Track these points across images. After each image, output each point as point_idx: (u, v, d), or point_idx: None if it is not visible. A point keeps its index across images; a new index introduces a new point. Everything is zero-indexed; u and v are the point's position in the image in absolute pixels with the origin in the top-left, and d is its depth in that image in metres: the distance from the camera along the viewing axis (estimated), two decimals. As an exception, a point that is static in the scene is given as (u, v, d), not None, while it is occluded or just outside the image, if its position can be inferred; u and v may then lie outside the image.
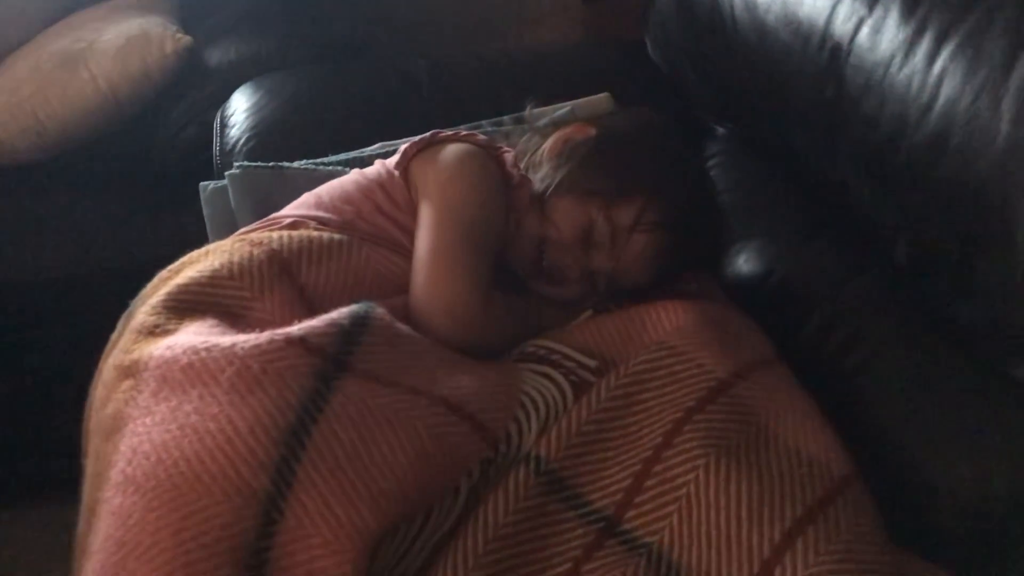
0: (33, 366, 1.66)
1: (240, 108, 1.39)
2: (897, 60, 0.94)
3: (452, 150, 1.01)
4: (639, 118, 1.13)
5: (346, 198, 1.01)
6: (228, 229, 1.19)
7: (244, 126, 1.34)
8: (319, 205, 1.01)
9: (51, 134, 1.60)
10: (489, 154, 1.03)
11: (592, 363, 0.91)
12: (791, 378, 0.93)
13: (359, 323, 0.81)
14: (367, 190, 1.02)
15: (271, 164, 1.20)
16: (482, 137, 1.06)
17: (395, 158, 1.03)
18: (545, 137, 1.09)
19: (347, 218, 0.99)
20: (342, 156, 1.24)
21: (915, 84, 0.92)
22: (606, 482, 0.83)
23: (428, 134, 1.03)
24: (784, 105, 1.14)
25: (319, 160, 1.23)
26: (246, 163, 1.20)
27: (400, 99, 1.37)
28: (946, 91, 0.89)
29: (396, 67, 1.43)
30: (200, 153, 1.49)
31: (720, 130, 1.38)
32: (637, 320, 0.94)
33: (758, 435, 0.84)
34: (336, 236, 0.95)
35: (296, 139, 1.32)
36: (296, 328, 0.79)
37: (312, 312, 0.88)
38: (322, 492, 0.71)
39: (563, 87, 1.35)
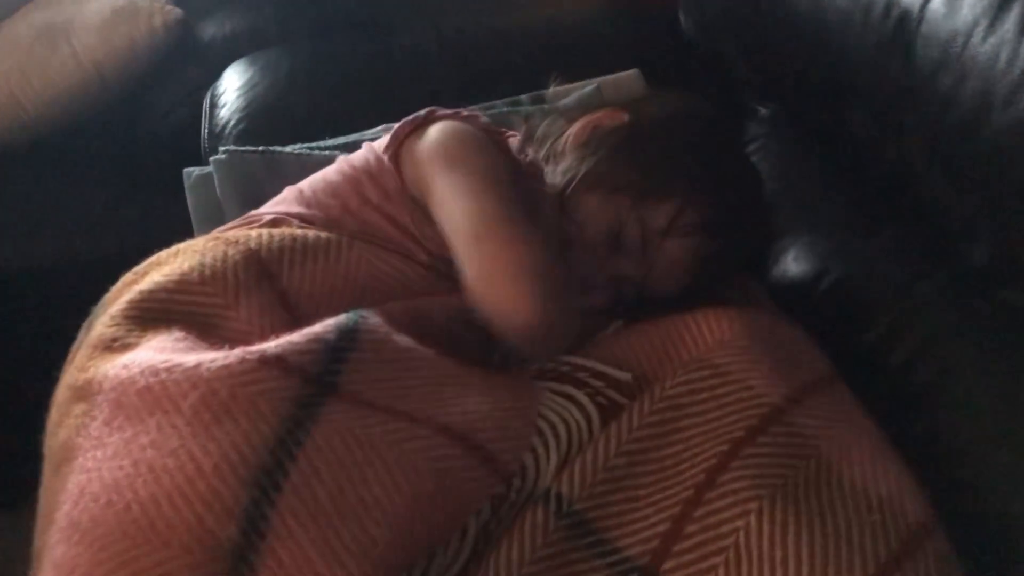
0: (14, 357, 1.55)
1: (232, 87, 1.27)
2: (980, 29, 0.81)
3: (445, 126, 0.88)
4: (679, 103, 0.98)
5: (331, 191, 0.89)
6: (214, 220, 1.08)
7: (235, 106, 1.22)
8: (301, 200, 0.89)
9: (31, 115, 1.52)
10: (491, 138, 0.90)
11: (627, 376, 0.78)
12: (852, 400, 0.80)
13: (347, 336, 0.69)
14: (354, 181, 0.89)
15: (260, 148, 1.08)
16: (484, 119, 0.93)
17: (384, 141, 0.91)
18: (570, 122, 0.96)
19: (333, 214, 0.87)
20: (340, 140, 1.12)
21: (1003, 57, 0.79)
22: (639, 526, 0.70)
23: (422, 112, 0.90)
24: (841, 82, 1.01)
25: (314, 144, 1.11)
26: (233, 147, 1.08)
27: (407, 76, 1.25)
28: (1042, 64, 0.75)
29: (403, 42, 1.31)
30: (192, 135, 1.36)
31: (763, 111, 1.24)
32: (675, 332, 0.81)
33: (819, 473, 0.71)
34: (322, 234, 0.83)
35: (291, 121, 1.21)
36: (272, 344, 0.67)
37: (295, 321, 0.77)
38: (301, 543, 0.60)
39: (586, 63, 1.24)
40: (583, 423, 0.75)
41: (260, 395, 0.63)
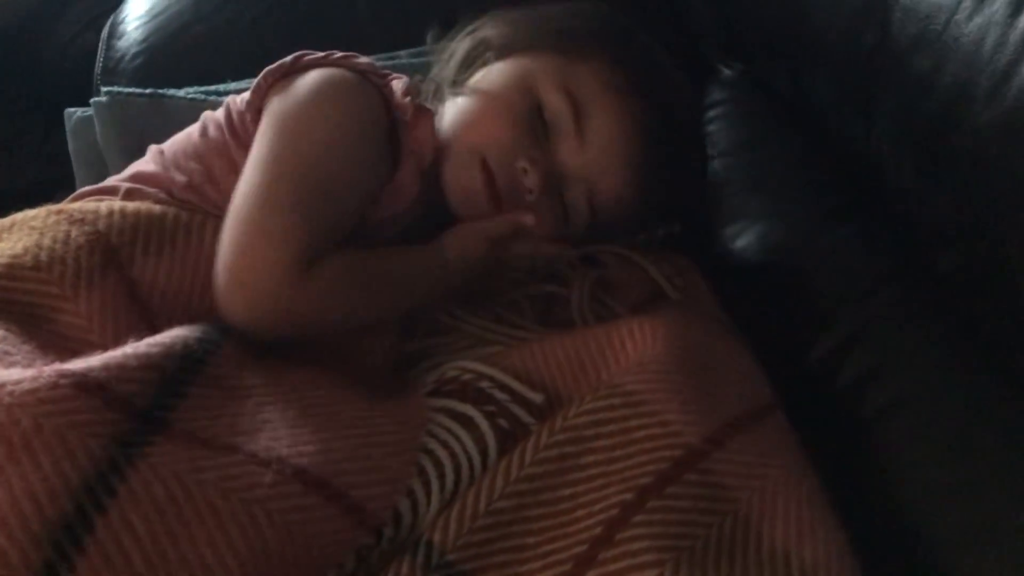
0: None
1: (134, 14, 1.13)
2: (967, 5, 0.70)
3: (315, 75, 0.75)
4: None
5: (193, 154, 0.77)
6: (97, 170, 0.96)
7: (133, 38, 1.09)
8: (161, 162, 0.77)
9: (-83, 38, 1.36)
10: (368, 81, 0.77)
11: (538, 398, 0.68)
12: (787, 437, 0.69)
13: (189, 367, 0.58)
14: (219, 143, 0.77)
15: (148, 91, 0.95)
16: (364, 60, 0.79)
17: (247, 93, 0.78)
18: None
19: (195, 180, 0.75)
20: (243, 83, 0.98)
21: (989, 42, 0.67)
22: (523, 585, 0.61)
23: (289, 58, 0.77)
24: (809, 49, 0.89)
25: (212, 88, 0.98)
26: (116, 88, 0.94)
27: (330, 12, 1.11)
28: (1035, 55, 0.63)
29: (329, -31, 1.15)
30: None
31: (726, 72, 1.11)
32: (594, 344, 0.71)
33: (735, 532, 0.61)
34: (184, 214, 0.71)
35: (194, 58, 1.07)
36: (100, 364, 0.56)
37: (145, 318, 0.67)
38: None
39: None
40: (476, 456, 0.65)
41: (71, 428, 0.53)
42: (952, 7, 0.70)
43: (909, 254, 0.82)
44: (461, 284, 0.77)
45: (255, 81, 0.77)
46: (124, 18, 1.13)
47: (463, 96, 0.79)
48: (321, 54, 0.78)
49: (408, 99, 0.77)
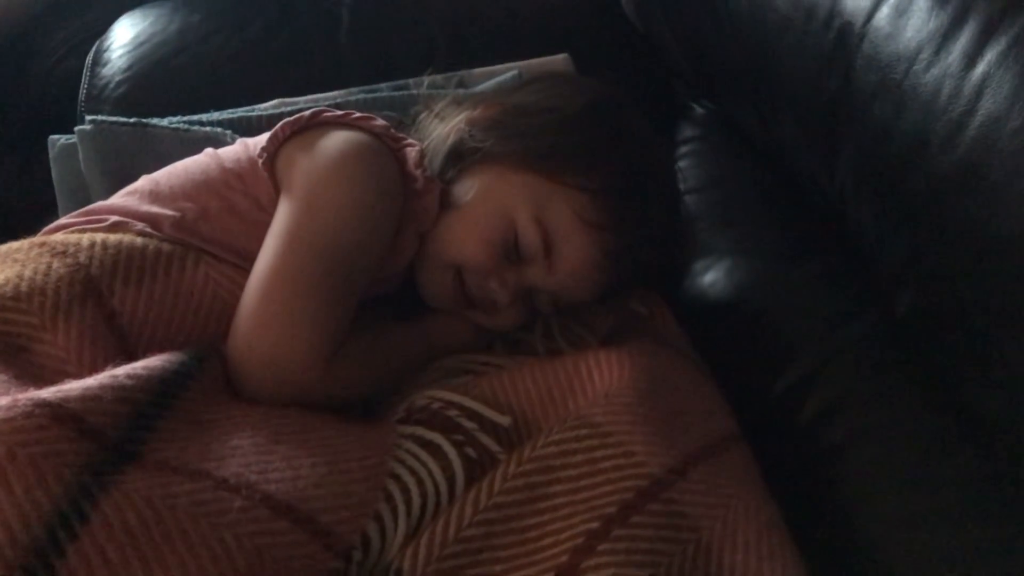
0: None
1: (119, 41, 1.14)
2: (924, 56, 0.72)
3: (338, 139, 0.77)
4: (583, 90, 0.86)
5: (190, 190, 0.78)
6: (80, 198, 0.97)
7: (117, 66, 1.10)
8: (154, 196, 0.78)
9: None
10: (387, 148, 0.79)
11: (506, 421, 0.70)
12: (748, 468, 0.71)
13: (166, 396, 0.60)
14: (220, 182, 0.78)
15: (132, 120, 0.96)
16: (380, 122, 0.81)
17: (262, 141, 0.79)
18: (460, 108, 0.86)
19: (188, 217, 0.76)
20: (226, 114, 1.00)
21: (946, 91, 0.69)
22: (488, 613, 0.62)
23: (307, 113, 0.79)
24: (776, 91, 0.92)
25: (195, 118, 0.99)
26: (100, 117, 0.96)
27: (312, 44, 1.12)
28: (988, 105, 0.66)
29: (312, 2, 1.17)
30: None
31: (698, 110, 1.14)
32: (563, 374, 0.73)
33: (696, 559, 0.63)
34: (166, 247, 0.73)
35: (179, 87, 1.08)
36: (76, 394, 0.57)
37: (123, 348, 0.68)
38: None
39: (512, 42, 1.11)
40: (443, 484, 0.66)
41: (44, 457, 0.54)
42: (911, 57, 0.72)
43: (870, 292, 0.85)
44: None
45: (273, 130, 0.78)
46: (109, 45, 1.14)
47: (448, 208, 0.80)
48: (339, 112, 0.80)
49: (420, 171, 0.79)
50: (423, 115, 0.89)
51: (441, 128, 0.84)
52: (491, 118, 0.82)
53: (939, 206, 0.70)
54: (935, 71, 0.70)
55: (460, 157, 0.81)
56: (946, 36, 0.70)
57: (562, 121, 0.80)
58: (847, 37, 0.79)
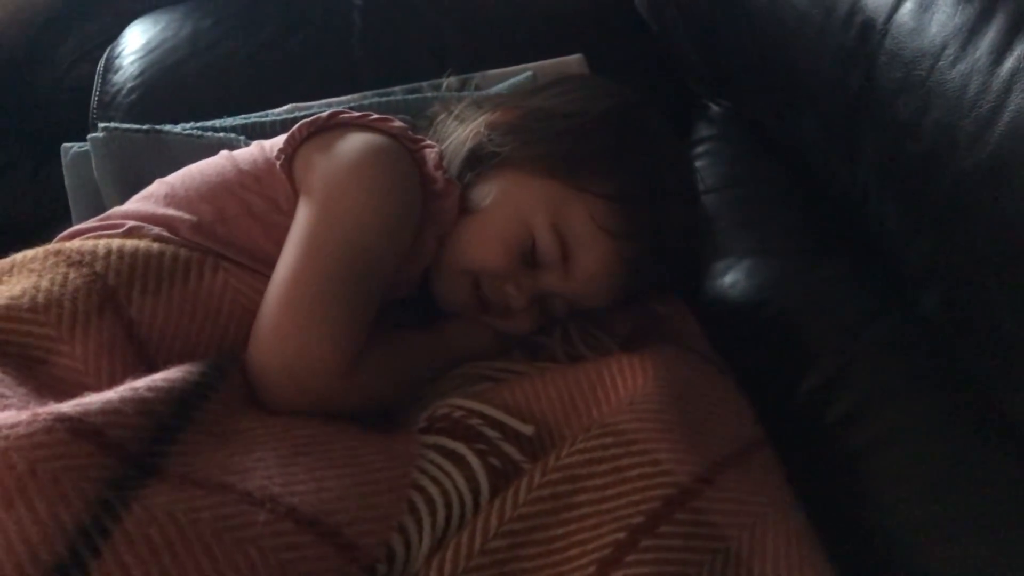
0: None
1: (130, 48, 1.13)
2: (950, 52, 0.70)
3: (356, 141, 0.76)
4: (603, 94, 0.85)
5: (206, 192, 0.77)
6: (94, 205, 0.96)
7: (129, 72, 1.09)
8: (170, 199, 0.77)
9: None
10: (405, 149, 0.78)
11: (529, 429, 0.69)
12: (775, 474, 0.70)
13: (188, 408, 0.59)
14: (237, 184, 0.77)
15: (145, 127, 0.95)
16: (398, 124, 0.80)
17: (278, 143, 0.79)
18: (479, 110, 0.85)
19: (205, 220, 0.75)
20: (239, 120, 1.00)
21: (973, 87, 0.68)
22: (516, 625, 0.61)
23: (324, 114, 0.78)
24: (796, 89, 0.90)
25: (208, 124, 0.99)
26: (113, 125, 0.95)
27: (324, 48, 1.12)
28: (1017, 100, 0.65)
29: (324, 6, 1.16)
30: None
31: (714, 108, 1.13)
32: (586, 381, 0.72)
33: (725, 570, 0.62)
34: (183, 253, 0.72)
35: (190, 93, 1.08)
36: (96, 407, 0.56)
37: (142, 358, 0.67)
38: None
39: (525, 43, 1.10)
40: (467, 494, 0.65)
41: (66, 472, 0.53)
42: (936, 53, 0.71)
43: (893, 292, 0.83)
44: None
45: (290, 131, 0.78)
46: (120, 52, 1.13)
47: (466, 212, 0.79)
48: (356, 114, 0.79)
49: (440, 172, 0.78)
50: (441, 116, 0.88)
51: (460, 131, 0.83)
52: (511, 122, 0.81)
53: (967, 204, 0.69)
54: (962, 67, 0.69)
55: (478, 161, 0.80)
56: (973, 31, 0.68)
57: (583, 126, 0.79)
58: (869, 33, 0.78)
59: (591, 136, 0.79)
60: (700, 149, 1.08)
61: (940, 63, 0.71)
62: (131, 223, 0.74)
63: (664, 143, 0.86)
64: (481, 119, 0.83)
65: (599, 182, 0.77)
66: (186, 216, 0.75)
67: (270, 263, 0.73)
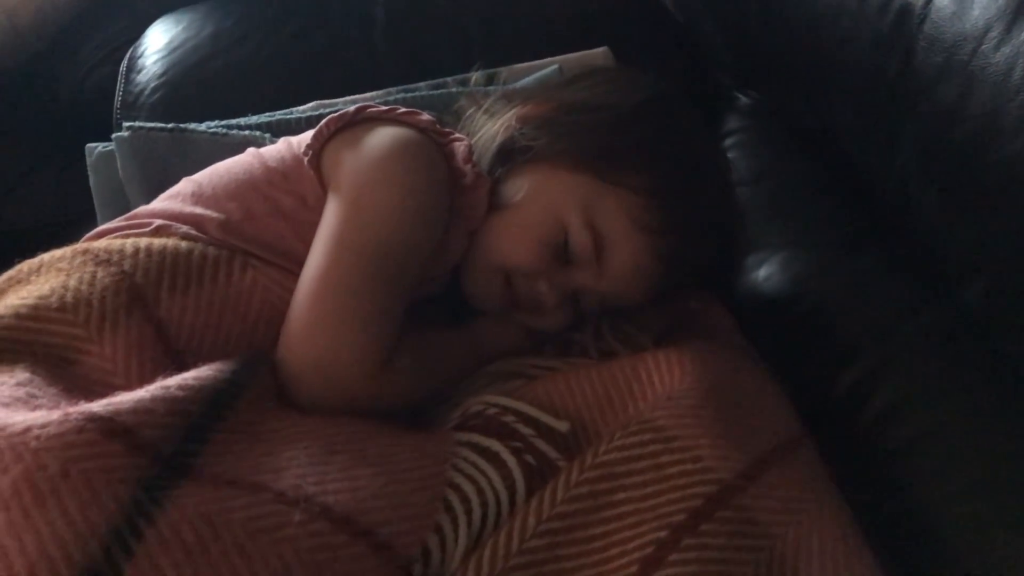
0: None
1: (153, 47, 1.13)
2: (993, 35, 0.69)
3: (384, 135, 0.75)
4: (635, 87, 0.83)
5: (234, 190, 0.76)
6: (119, 205, 0.96)
7: (152, 71, 1.09)
8: (197, 197, 0.76)
9: (-63, 70, 1.36)
10: (434, 143, 0.77)
11: (564, 426, 0.68)
12: (818, 470, 0.68)
13: (215, 413, 0.58)
14: (264, 182, 0.76)
15: (170, 126, 0.95)
16: (426, 117, 0.79)
17: (306, 138, 0.78)
18: (510, 104, 0.84)
19: (233, 219, 0.74)
20: (264, 117, 0.99)
21: (1018, 71, 0.66)
22: (557, 627, 0.60)
23: (351, 109, 0.77)
24: (830, 79, 0.88)
25: (234, 122, 0.98)
26: (137, 124, 0.95)
27: (347, 45, 1.11)
28: (1064, 84, 0.63)
29: (346, 1, 1.15)
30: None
31: (743, 99, 1.11)
32: (621, 378, 0.70)
33: (771, 570, 0.60)
34: (211, 251, 0.71)
35: (214, 92, 1.07)
36: (128, 407, 0.56)
37: (173, 355, 0.66)
38: None
39: (550, 36, 1.09)
40: (503, 492, 0.64)
41: (97, 473, 0.52)
42: (979, 36, 0.69)
43: (933, 284, 0.81)
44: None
45: (317, 127, 0.76)
46: (143, 52, 1.13)
47: (497, 207, 0.78)
48: (384, 108, 0.78)
49: (469, 166, 0.77)
50: (469, 111, 0.87)
51: (490, 125, 0.82)
52: (542, 116, 0.80)
53: (1013, 192, 0.67)
54: (1006, 49, 0.67)
55: (510, 155, 0.78)
56: (1017, 12, 0.67)
57: (616, 120, 0.78)
58: (906, 19, 0.76)
59: (626, 130, 0.77)
60: (730, 141, 1.06)
61: (983, 47, 0.69)
62: (158, 222, 0.74)
63: (698, 136, 0.84)
64: (512, 113, 0.81)
65: (634, 176, 0.75)
66: (214, 214, 0.74)
67: (299, 260, 0.71)
